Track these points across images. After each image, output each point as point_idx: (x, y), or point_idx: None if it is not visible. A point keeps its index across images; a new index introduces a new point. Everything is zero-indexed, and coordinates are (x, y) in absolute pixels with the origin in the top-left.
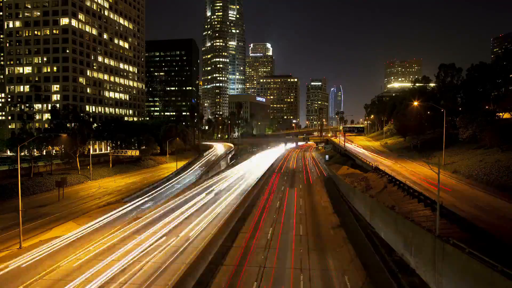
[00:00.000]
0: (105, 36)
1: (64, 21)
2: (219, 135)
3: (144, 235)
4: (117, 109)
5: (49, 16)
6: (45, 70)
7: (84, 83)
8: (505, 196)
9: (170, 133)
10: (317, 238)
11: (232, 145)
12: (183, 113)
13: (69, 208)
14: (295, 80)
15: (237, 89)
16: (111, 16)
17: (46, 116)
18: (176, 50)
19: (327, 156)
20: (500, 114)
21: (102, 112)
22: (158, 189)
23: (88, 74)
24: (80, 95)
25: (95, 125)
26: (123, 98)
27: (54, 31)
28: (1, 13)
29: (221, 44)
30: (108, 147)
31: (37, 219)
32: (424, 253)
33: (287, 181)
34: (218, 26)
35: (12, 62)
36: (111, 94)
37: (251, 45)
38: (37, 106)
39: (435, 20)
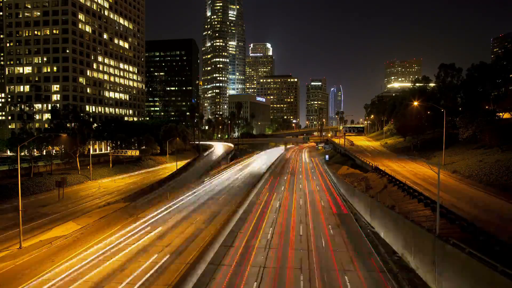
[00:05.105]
0: (105, 36)
1: (64, 21)
2: (219, 135)
3: (144, 234)
4: (117, 109)
5: (49, 16)
6: (45, 70)
7: (84, 83)
8: (505, 196)
9: (170, 133)
10: (317, 238)
11: (232, 145)
12: (183, 113)
13: (69, 208)
14: (295, 80)
15: (237, 89)
16: (111, 16)
17: (46, 116)
18: (176, 50)
19: (327, 156)
20: (500, 114)
21: (102, 112)
22: (158, 189)
23: (88, 74)
24: (80, 95)
25: (95, 125)
26: (123, 98)
27: (54, 31)
28: (1, 13)
29: (221, 44)
30: (108, 147)
31: (37, 219)
32: (424, 253)
33: (287, 181)
34: (218, 26)
35: (12, 62)
36: (111, 94)
37: (251, 45)
38: (37, 106)
39: (435, 20)
